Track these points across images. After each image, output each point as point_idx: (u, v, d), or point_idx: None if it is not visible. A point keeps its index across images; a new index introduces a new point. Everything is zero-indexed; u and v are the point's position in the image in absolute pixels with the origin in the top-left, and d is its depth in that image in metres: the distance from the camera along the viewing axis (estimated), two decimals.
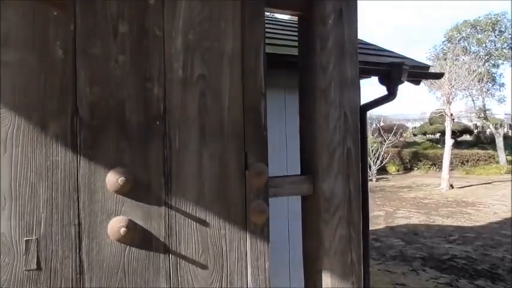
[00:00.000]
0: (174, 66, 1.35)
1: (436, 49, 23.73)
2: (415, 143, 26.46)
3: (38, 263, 1.17)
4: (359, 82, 1.73)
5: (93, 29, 1.24)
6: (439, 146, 24.45)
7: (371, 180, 17.30)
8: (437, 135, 27.43)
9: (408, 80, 3.22)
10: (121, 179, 1.23)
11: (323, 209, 1.61)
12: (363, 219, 1.77)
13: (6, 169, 1.14)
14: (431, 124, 27.64)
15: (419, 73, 3.76)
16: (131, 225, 1.26)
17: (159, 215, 1.32)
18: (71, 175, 1.21)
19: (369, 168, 17.28)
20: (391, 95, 2.97)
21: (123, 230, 1.23)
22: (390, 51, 4.14)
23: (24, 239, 1.16)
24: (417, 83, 3.79)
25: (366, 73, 3.03)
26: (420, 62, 4.06)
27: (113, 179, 1.24)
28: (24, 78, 1.15)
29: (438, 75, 4.66)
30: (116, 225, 1.25)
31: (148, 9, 1.31)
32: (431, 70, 4.62)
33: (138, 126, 1.30)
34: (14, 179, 1.15)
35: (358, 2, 1.67)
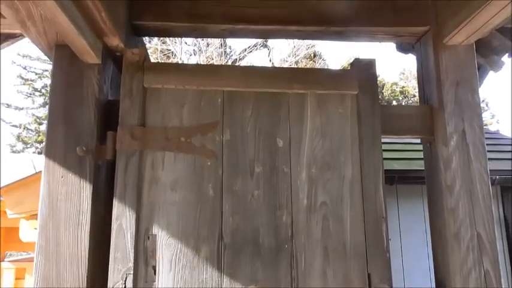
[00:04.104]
0: (299, 196, 1.59)
1: None
2: None
3: None
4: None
5: (236, 172, 1.59)
6: None
7: None
8: None
9: None
10: None
11: None
12: None
13: (171, 283, 1.49)
14: None
15: None
16: None
17: None
18: None
19: None
20: None
21: None
22: None
23: None
24: None
25: None
26: None
27: None
28: (185, 212, 1.54)
29: None
30: None
31: (278, 151, 1.62)
32: None
33: (269, 248, 1.54)
34: None
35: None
